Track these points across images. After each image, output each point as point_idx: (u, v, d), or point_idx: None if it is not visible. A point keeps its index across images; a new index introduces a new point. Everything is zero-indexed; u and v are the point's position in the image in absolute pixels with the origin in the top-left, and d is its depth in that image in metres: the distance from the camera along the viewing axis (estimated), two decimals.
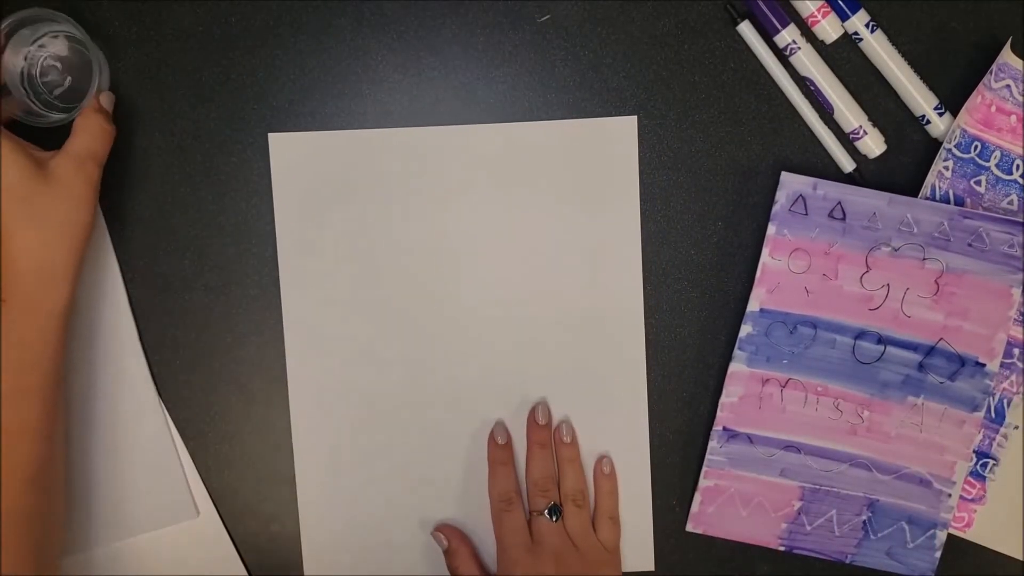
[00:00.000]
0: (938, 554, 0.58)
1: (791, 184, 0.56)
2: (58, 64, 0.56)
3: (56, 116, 0.55)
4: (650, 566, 0.60)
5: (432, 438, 0.60)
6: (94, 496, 0.58)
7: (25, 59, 0.56)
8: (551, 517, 0.57)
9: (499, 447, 0.59)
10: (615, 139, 0.58)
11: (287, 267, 0.59)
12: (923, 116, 0.58)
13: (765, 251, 0.57)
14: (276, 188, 0.58)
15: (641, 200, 0.59)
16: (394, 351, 0.59)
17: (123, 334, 0.58)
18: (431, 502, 0.60)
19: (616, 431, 0.60)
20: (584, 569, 0.57)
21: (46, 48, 0.56)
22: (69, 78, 0.57)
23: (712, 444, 0.58)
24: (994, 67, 0.56)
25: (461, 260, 0.59)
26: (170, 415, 0.59)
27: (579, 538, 0.58)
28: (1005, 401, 0.58)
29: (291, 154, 0.58)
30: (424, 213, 0.59)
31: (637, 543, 0.60)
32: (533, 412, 0.59)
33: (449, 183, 0.59)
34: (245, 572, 0.60)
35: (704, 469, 0.59)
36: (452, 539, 0.59)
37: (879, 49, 0.57)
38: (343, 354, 0.59)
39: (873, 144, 0.58)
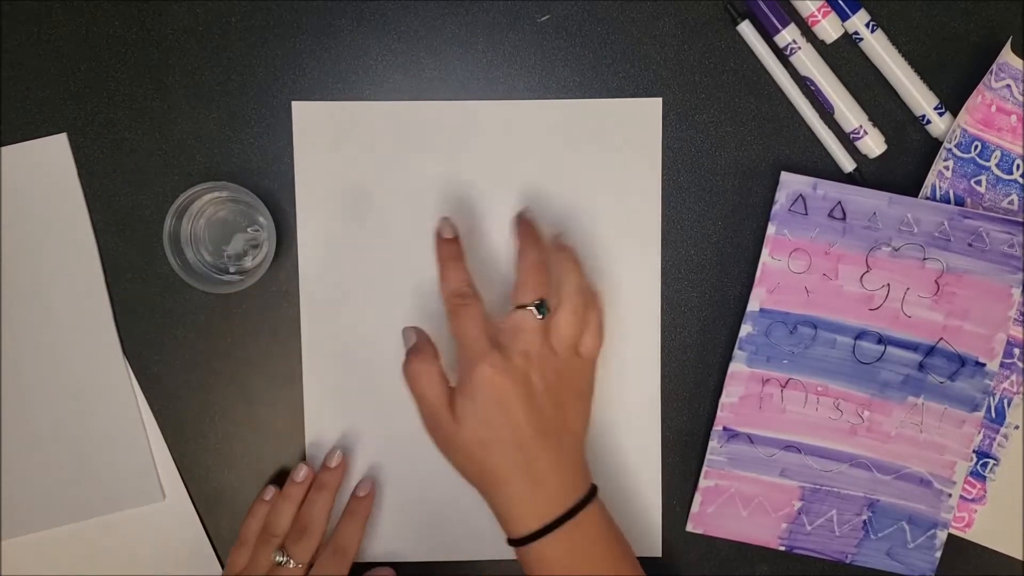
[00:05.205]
0: (938, 554, 0.58)
1: (791, 184, 0.56)
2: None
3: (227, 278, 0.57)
4: (657, 552, 0.60)
5: None
6: (60, 475, 0.59)
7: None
8: (539, 313, 0.50)
9: (448, 242, 0.53)
10: (638, 121, 0.58)
11: (307, 265, 0.59)
12: (923, 116, 0.58)
13: (765, 251, 0.57)
14: (298, 161, 0.58)
15: None
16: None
17: (97, 317, 0.58)
18: (443, 495, 0.59)
19: (628, 425, 0.59)
20: (559, 380, 0.51)
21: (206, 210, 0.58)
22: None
23: (712, 444, 0.58)
24: (994, 67, 0.56)
25: (479, 244, 0.59)
26: (170, 415, 0.59)
27: (561, 344, 0.51)
28: (1005, 401, 0.58)
29: (315, 127, 0.58)
30: (443, 191, 0.58)
31: (647, 536, 0.60)
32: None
33: (478, 158, 0.58)
34: (218, 562, 0.60)
35: (704, 469, 0.58)
36: (419, 336, 0.53)
37: (879, 49, 0.57)
38: (358, 343, 0.59)
39: (873, 144, 0.58)
